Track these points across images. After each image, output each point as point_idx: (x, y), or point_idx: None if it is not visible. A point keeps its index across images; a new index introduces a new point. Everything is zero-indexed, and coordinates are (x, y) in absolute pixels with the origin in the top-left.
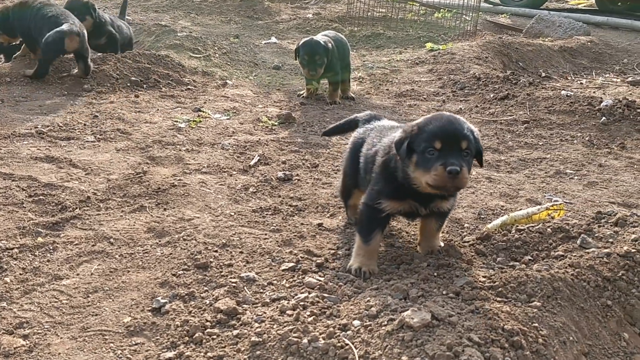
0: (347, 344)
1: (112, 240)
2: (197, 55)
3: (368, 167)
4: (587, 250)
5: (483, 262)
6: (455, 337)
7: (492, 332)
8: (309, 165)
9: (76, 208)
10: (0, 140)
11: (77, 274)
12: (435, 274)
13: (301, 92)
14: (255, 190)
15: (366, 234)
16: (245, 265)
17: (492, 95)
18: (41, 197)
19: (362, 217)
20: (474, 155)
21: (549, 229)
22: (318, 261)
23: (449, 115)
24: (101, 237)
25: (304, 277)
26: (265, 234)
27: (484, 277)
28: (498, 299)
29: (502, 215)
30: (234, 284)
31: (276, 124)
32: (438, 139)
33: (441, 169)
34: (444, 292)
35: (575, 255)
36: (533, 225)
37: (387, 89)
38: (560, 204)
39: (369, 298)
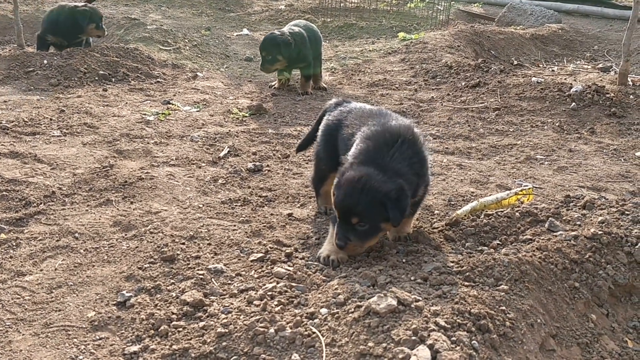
0: (314, 332)
1: (77, 235)
2: (167, 48)
3: (347, 152)
4: (554, 234)
5: (452, 248)
6: (421, 322)
7: (459, 316)
8: (279, 156)
9: (40, 203)
10: None
11: (41, 270)
12: (404, 260)
13: (273, 83)
14: (224, 181)
15: None
16: (213, 257)
17: (463, 84)
18: (4, 193)
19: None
20: (378, 222)
21: (517, 214)
22: (287, 251)
23: (357, 180)
24: (66, 232)
25: (272, 267)
26: (234, 225)
27: (452, 262)
28: (466, 283)
29: (471, 201)
30: (201, 276)
31: (247, 115)
32: (337, 209)
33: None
34: (412, 278)
35: (543, 239)
36: (502, 210)
37: (360, 79)
38: (529, 188)
39: (337, 286)
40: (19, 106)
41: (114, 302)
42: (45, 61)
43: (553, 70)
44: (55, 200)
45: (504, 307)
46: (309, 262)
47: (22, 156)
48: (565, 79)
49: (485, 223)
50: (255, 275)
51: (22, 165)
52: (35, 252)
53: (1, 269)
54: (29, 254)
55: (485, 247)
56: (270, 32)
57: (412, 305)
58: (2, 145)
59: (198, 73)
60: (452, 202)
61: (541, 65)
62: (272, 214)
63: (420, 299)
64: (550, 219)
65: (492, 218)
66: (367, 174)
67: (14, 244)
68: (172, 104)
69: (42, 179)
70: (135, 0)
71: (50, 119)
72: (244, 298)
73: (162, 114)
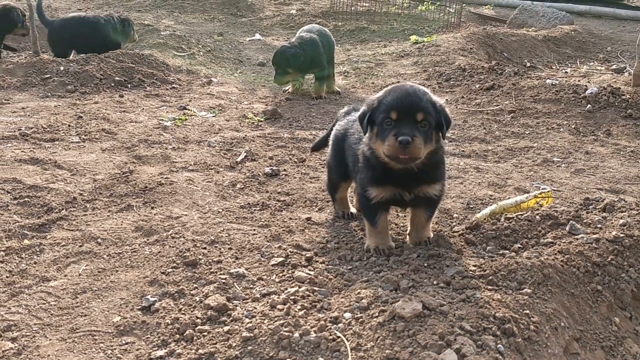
0: (338, 337)
1: (99, 240)
2: (181, 54)
3: (356, 158)
4: (576, 237)
5: (473, 252)
6: (447, 326)
7: (484, 320)
8: (296, 160)
9: (62, 209)
10: None
11: (65, 275)
12: (426, 264)
13: (286, 88)
14: (242, 186)
15: (371, 218)
16: (234, 262)
17: (477, 86)
18: (26, 199)
19: (361, 205)
20: (434, 126)
21: (537, 217)
22: (307, 255)
23: (409, 87)
24: (88, 237)
25: (293, 272)
26: (254, 230)
27: (474, 266)
28: (489, 287)
29: (490, 205)
30: (223, 280)
31: (262, 120)
32: (394, 109)
33: (393, 139)
34: (435, 282)
35: (564, 242)
36: (522, 213)
37: (373, 83)
38: (548, 191)
39: (359, 290)
40: (37, 112)
41: (139, 307)
42: (61, 68)
43: (566, 72)
44: (76, 206)
45: (527, 311)
46: (329, 267)
47: (43, 162)
48: (579, 80)
49: (506, 226)
50: (277, 280)
51: (42, 172)
52: (59, 257)
53: (26, 274)
54: (53, 260)
55: (507, 251)
56: (281, 45)
57: (437, 310)
58: (22, 151)
59: (212, 78)
60: (471, 206)
61: (554, 67)
62: (290, 218)
63: (445, 303)
64: (571, 222)
65: (513, 221)
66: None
67: (38, 249)
68: (188, 110)
69: (63, 184)
70: (148, 6)
71: (69, 125)
72: (267, 302)
73: (179, 119)
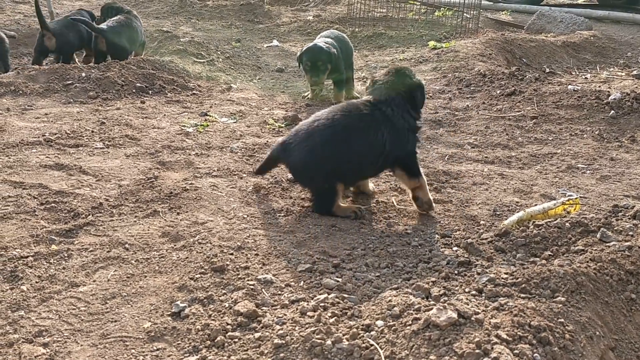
0: (372, 345)
1: (127, 245)
2: (200, 60)
3: None
4: (607, 244)
5: (503, 259)
6: (483, 335)
7: (519, 329)
8: None
9: (89, 215)
10: (8, 148)
11: (94, 281)
12: (456, 271)
13: (306, 94)
14: (266, 192)
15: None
16: (261, 267)
17: (498, 92)
18: (53, 204)
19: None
20: None
21: (567, 224)
22: (334, 262)
23: None
24: (116, 242)
25: (321, 278)
26: (280, 236)
27: (505, 273)
28: (522, 295)
29: (517, 211)
30: (251, 287)
31: (283, 126)
32: None
33: None
34: (467, 290)
35: (596, 250)
36: (551, 220)
37: None
38: (575, 198)
39: (390, 298)
40: (60, 118)
41: (169, 313)
42: (83, 74)
43: (586, 78)
44: (103, 211)
45: (562, 319)
46: (357, 273)
47: (68, 168)
48: (599, 86)
49: (536, 233)
50: (305, 286)
51: (67, 177)
52: (87, 263)
53: (55, 279)
54: (81, 265)
55: (537, 258)
56: (312, 44)
57: (473, 318)
58: (47, 157)
59: (232, 85)
60: (498, 212)
61: (574, 73)
62: (315, 225)
63: (479, 311)
64: (602, 229)
65: (542, 228)
66: None
67: (66, 255)
68: (210, 116)
69: (89, 190)
70: (165, 13)
71: (92, 131)
72: (297, 309)
73: (201, 125)
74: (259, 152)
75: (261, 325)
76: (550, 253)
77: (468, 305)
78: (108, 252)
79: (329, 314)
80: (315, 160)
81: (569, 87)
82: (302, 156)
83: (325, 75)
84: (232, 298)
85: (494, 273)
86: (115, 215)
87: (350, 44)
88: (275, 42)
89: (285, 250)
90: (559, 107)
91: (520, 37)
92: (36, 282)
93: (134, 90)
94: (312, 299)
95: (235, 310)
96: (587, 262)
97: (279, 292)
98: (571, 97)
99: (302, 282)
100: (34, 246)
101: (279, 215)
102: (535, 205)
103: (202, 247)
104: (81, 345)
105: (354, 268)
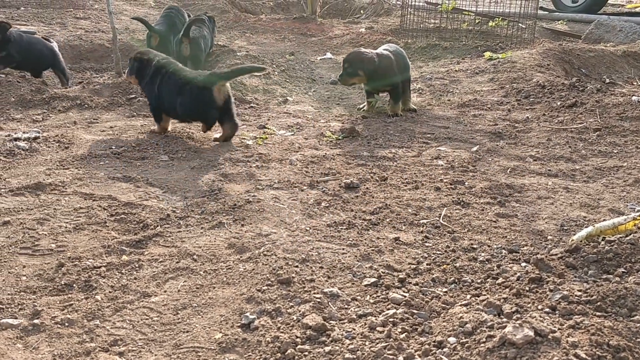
0: None
1: (195, 256)
2: (257, 74)
3: None
4: None
5: (574, 275)
6: (561, 354)
7: (598, 349)
8: (377, 178)
9: (157, 226)
10: (77, 161)
11: (165, 291)
12: (527, 288)
13: (361, 106)
14: (327, 204)
15: None
16: (327, 281)
17: (559, 103)
18: (122, 215)
19: None
20: None
21: None
22: (400, 276)
23: None
24: (184, 253)
25: (387, 293)
26: (343, 249)
27: (579, 290)
28: (597, 313)
29: (586, 226)
30: (318, 300)
31: (340, 138)
32: None
33: None
34: (539, 307)
35: None
36: (622, 236)
37: (449, 100)
38: None
39: (461, 314)
40: (124, 132)
41: (239, 324)
42: None
43: None
44: (170, 222)
45: None
46: (424, 289)
47: (135, 180)
48: None
49: (608, 250)
50: (371, 301)
51: (135, 189)
52: (158, 273)
53: (127, 289)
54: (152, 276)
55: (610, 275)
56: (357, 48)
57: (549, 336)
58: (114, 169)
59: (288, 97)
60: (565, 227)
61: (635, 83)
62: (378, 238)
63: (555, 329)
64: None
65: (615, 244)
66: None
67: (137, 265)
68: (268, 128)
69: (156, 202)
70: (220, 27)
71: (157, 144)
72: (365, 324)
73: (260, 138)
74: (317, 164)
75: (330, 339)
76: (623, 270)
77: (543, 322)
78: (177, 262)
79: (399, 330)
80: None
81: (633, 98)
82: None
83: (353, 78)
84: (299, 311)
85: (567, 290)
86: (182, 227)
87: (407, 60)
88: (328, 55)
89: (349, 263)
90: (623, 118)
91: (579, 47)
92: (109, 292)
93: None
94: (380, 313)
95: (304, 324)
96: None
97: (346, 306)
98: (635, 108)
99: (368, 297)
100: (106, 256)
101: (341, 228)
102: (604, 220)
103: (267, 259)
104: (155, 355)
105: (420, 283)
